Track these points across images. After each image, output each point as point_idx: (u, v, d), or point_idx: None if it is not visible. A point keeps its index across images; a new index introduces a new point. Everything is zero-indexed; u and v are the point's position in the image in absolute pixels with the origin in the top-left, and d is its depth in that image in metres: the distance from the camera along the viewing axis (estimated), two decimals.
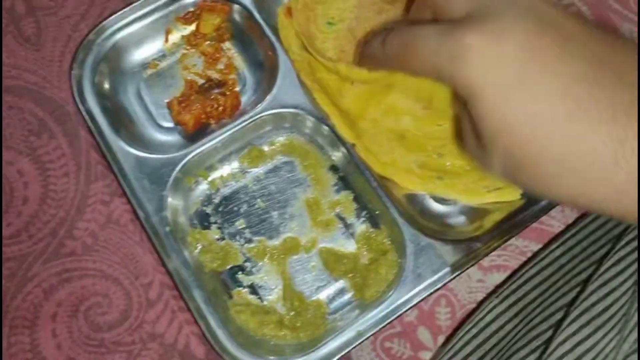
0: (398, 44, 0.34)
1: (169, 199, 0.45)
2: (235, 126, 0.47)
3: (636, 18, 0.50)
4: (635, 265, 0.36)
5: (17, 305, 0.45)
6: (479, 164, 0.32)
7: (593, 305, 0.35)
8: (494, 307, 0.41)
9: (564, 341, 0.35)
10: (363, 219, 0.47)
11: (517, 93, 0.27)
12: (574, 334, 0.35)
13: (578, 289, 0.39)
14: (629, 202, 0.26)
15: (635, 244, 0.36)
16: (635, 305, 0.34)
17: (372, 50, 0.37)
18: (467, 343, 0.40)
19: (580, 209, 0.44)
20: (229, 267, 0.45)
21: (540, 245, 0.45)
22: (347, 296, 0.45)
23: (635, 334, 0.34)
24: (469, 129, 0.31)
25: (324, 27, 0.51)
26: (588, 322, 0.34)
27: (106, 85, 0.48)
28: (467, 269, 0.43)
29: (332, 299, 0.45)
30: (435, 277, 0.43)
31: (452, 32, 0.29)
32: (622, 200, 0.26)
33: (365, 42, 0.42)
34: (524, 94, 0.27)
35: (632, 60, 0.27)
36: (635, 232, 0.37)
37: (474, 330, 0.41)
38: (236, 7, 0.50)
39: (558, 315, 0.38)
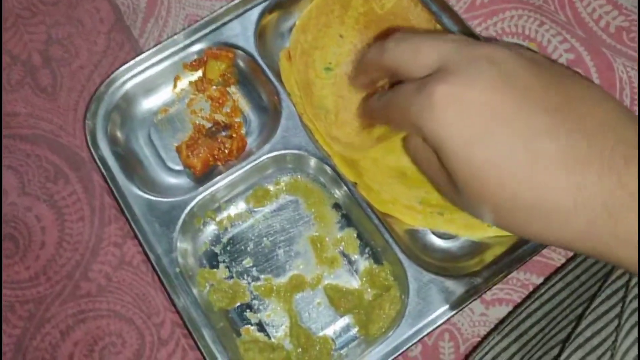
0: (384, 100, 0.36)
1: (179, 241, 0.47)
2: (241, 168, 0.49)
3: (630, 52, 0.51)
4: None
5: (35, 345, 0.47)
6: (460, 207, 0.34)
7: (587, 340, 0.35)
8: (496, 343, 0.42)
9: None
10: (366, 255, 0.48)
11: (481, 145, 0.29)
12: None
13: (569, 327, 0.39)
14: (595, 244, 0.27)
15: (625, 278, 0.37)
16: (622, 335, 0.35)
17: (370, 105, 0.40)
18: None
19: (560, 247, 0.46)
20: (237, 305, 0.47)
21: (541, 278, 0.46)
22: (353, 332, 0.46)
23: None
24: (444, 176, 0.33)
25: (322, 73, 0.52)
26: (583, 358, 0.35)
27: (118, 133, 0.51)
28: (470, 303, 0.44)
29: (338, 335, 0.46)
30: (438, 312, 0.44)
31: (421, 89, 0.31)
32: (588, 242, 0.27)
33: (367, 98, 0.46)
34: (487, 147, 0.29)
35: (591, 107, 0.29)
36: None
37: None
38: (240, 53, 0.53)
39: (557, 350, 0.38)
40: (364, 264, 0.48)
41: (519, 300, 0.46)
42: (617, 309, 0.36)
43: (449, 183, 0.32)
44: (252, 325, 0.46)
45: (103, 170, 0.48)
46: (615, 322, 0.35)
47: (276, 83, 0.51)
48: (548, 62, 0.32)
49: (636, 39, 0.51)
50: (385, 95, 0.37)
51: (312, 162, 0.49)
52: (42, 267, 0.48)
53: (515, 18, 0.53)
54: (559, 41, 0.51)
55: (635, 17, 0.52)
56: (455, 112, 0.29)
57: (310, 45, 0.53)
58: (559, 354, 0.36)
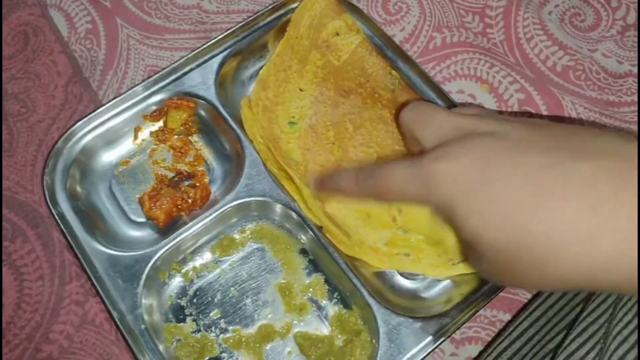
0: (372, 183, 0.38)
1: (143, 296, 0.46)
2: (206, 217, 0.48)
3: (577, 89, 0.53)
4: (599, 335, 0.37)
5: None
6: (485, 275, 0.34)
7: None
8: None
9: None
10: (335, 300, 0.48)
11: (483, 190, 0.30)
12: None
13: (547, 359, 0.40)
14: (615, 275, 0.27)
15: (596, 314, 0.38)
16: None
17: (341, 187, 0.42)
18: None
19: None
20: (206, 359, 0.46)
21: (508, 315, 0.47)
22: None
23: None
24: (460, 244, 0.34)
25: (286, 128, 0.53)
26: None
27: (78, 188, 0.50)
28: (440, 344, 0.44)
29: None
30: (409, 354, 0.44)
31: (420, 163, 0.33)
32: (605, 275, 0.27)
33: (325, 177, 0.47)
34: (489, 189, 0.30)
35: (581, 144, 0.30)
36: (597, 303, 0.39)
37: None
38: (201, 102, 0.53)
39: None
40: (333, 309, 0.47)
41: (487, 338, 0.46)
42: (589, 345, 0.36)
43: (468, 248, 0.34)
44: None
45: (62, 227, 0.47)
46: (588, 358, 0.36)
47: (238, 131, 0.51)
48: (554, 124, 0.33)
49: (582, 77, 0.53)
50: (369, 179, 0.38)
51: (277, 208, 0.49)
52: (1, 331, 0.46)
53: (467, 61, 0.55)
54: (509, 82, 0.53)
55: (580, 56, 0.54)
56: (455, 172, 0.31)
57: (271, 101, 0.54)
58: None
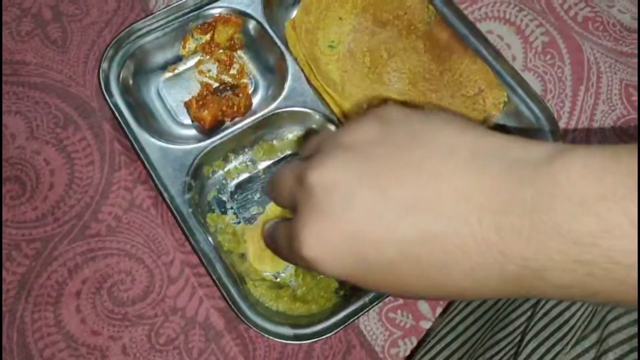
0: (273, 240, 0.36)
1: (190, 185, 0.49)
2: (250, 121, 0.52)
3: (595, 38, 0.58)
4: None
5: (41, 283, 0.47)
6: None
7: None
8: None
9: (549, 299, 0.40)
10: None
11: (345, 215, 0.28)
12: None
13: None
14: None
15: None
16: None
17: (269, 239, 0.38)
18: (468, 303, 0.45)
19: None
20: (245, 247, 0.49)
21: None
22: None
23: None
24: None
25: (326, 50, 0.57)
26: None
27: (130, 82, 0.53)
28: None
29: None
30: None
31: (292, 248, 0.30)
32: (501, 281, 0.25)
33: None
34: (352, 211, 0.28)
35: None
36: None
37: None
38: (249, 19, 0.56)
39: None
40: None
41: None
42: None
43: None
44: None
45: (117, 115, 0.50)
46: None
47: (283, 48, 0.55)
48: (388, 140, 0.30)
49: (600, 28, 0.58)
50: (271, 235, 0.37)
51: (317, 118, 0.53)
52: (51, 208, 0.49)
53: (498, 4, 0.59)
54: (536, 25, 0.58)
55: (599, 9, 0.59)
56: (331, 261, 0.28)
57: (313, 25, 0.58)
58: None
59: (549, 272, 0.23)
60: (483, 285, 0.25)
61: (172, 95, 0.55)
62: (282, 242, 0.33)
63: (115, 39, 0.51)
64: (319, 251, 0.28)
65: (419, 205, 0.26)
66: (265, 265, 0.48)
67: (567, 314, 0.38)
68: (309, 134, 0.54)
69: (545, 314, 0.39)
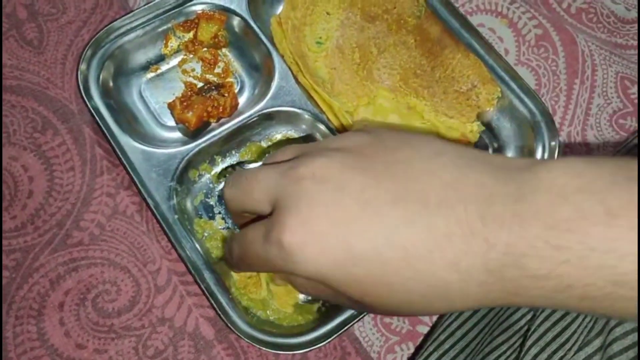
0: (237, 252, 0.34)
1: (175, 191, 0.47)
2: (237, 122, 0.50)
3: (589, 30, 0.57)
4: None
5: (23, 295, 0.45)
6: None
7: None
8: None
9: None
10: None
11: (352, 260, 0.27)
12: None
13: None
14: (494, 303, 0.26)
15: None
16: None
17: (229, 251, 0.37)
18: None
19: None
20: None
21: None
22: None
23: None
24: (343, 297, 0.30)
25: (313, 47, 0.55)
26: None
27: (110, 84, 0.51)
28: None
29: None
30: None
31: (269, 241, 0.29)
32: (485, 304, 0.27)
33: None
34: (339, 232, 0.27)
35: (428, 177, 0.28)
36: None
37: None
38: (232, 16, 0.54)
39: None
40: None
41: None
42: None
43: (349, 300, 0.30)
44: None
45: (97, 119, 0.48)
46: None
47: (269, 45, 0.53)
48: (377, 143, 0.30)
49: (593, 20, 0.57)
50: (234, 248, 0.35)
51: (306, 118, 0.51)
52: (30, 216, 0.47)
53: None
54: (528, 18, 0.56)
55: (592, 0, 0.58)
56: (313, 248, 0.28)
57: (299, 21, 0.56)
58: None
59: (529, 259, 0.24)
60: (467, 279, 0.25)
61: (155, 96, 0.53)
62: (249, 243, 0.32)
63: (93, 39, 0.49)
64: (303, 237, 0.28)
65: (409, 195, 0.27)
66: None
67: (569, 318, 0.37)
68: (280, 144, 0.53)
69: (546, 318, 0.38)
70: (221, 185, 0.50)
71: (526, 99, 0.51)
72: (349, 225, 0.27)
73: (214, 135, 0.49)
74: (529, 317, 0.41)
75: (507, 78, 0.52)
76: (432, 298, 0.27)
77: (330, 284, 0.28)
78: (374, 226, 0.27)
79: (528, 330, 0.38)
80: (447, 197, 0.26)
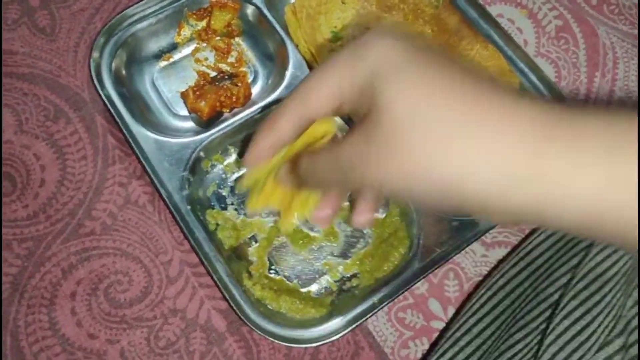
0: (329, 164, 0.30)
1: (188, 180, 0.46)
2: (250, 113, 0.49)
3: (610, 22, 0.55)
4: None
5: (34, 284, 0.45)
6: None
7: (599, 263, 0.38)
8: (506, 271, 0.44)
9: (575, 296, 0.38)
10: None
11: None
12: (582, 289, 0.38)
13: (581, 255, 0.42)
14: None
15: None
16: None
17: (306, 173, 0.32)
18: (483, 305, 0.43)
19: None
20: (246, 238, 0.47)
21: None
22: (359, 274, 0.47)
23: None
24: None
25: (329, 36, 0.54)
26: (595, 279, 0.38)
27: (123, 72, 0.50)
28: (472, 243, 0.46)
29: (345, 276, 0.47)
30: (443, 250, 0.46)
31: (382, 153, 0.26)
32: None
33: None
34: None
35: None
36: None
37: (489, 293, 0.44)
38: (247, 4, 0.53)
39: (563, 280, 0.41)
40: None
41: (516, 243, 0.49)
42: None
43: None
44: (261, 262, 0.47)
45: (110, 108, 0.47)
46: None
47: (283, 35, 0.52)
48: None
49: (615, 11, 0.56)
50: (326, 158, 0.29)
51: None
52: (42, 205, 0.47)
53: None
54: (549, 8, 0.55)
55: None
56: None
57: (314, 10, 0.55)
58: (572, 278, 0.39)
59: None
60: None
61: (168, 85, 0.52)
62: (345, 154, 0.27)
63: (106, 26, 0.49)
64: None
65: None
66: (291, 215, 0.36)
67: (588, 317, 0.36)
68: None
69: (565, 317, 0.37)
70: (234, 175, 0.49)
71: (546, 92, 0.50)
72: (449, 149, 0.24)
73: (227, 126, 0.49)
74: (547, 314, 0.40)
75: (526, 69, 0.51)
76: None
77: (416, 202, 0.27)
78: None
79: (547, 328, 0.38)
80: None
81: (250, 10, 0.54)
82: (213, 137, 0.48)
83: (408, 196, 0.26)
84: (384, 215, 0.49)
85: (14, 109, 0.49)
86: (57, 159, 0.48)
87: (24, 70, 0.51)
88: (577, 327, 0.36)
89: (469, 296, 0.46)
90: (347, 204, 0.43)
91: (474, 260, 0.48)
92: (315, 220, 0.35)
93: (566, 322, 0.37)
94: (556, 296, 0.41)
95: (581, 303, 0.38)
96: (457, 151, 0.23)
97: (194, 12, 0.53)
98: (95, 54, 0.48)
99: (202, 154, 0.47)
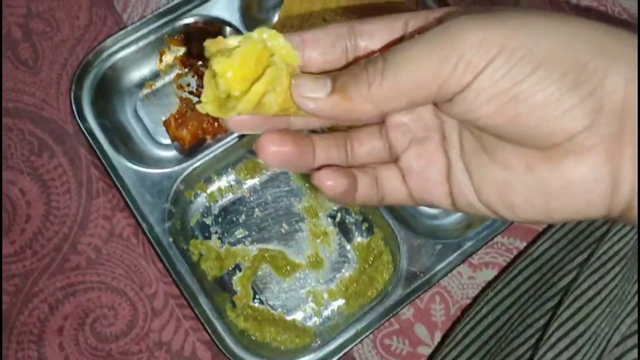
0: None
1: (170, 212, 0.47)
2: (231, 140, 0.49)
3: None
4: (622, 254, 0.39)
5: (23, 320, 0.45)
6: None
7: (585, 291, 0.37)
8: (490, 299, 0.44)
9: (559, 327, 0.37)
10: (358, 224, 0.49)
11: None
12: (568, 319, 0.37)
13: (568, 277, 0.41)
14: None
15: (620, 236, 0.39)
16: (629, 288, 0.37)
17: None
18: (466, 335, 0.43)
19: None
20: (230, 268, 0.47)
21: (524, 242, 0.48)
22: (343, 300, 0.47)
23: (632, 317, 0.37)
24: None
25: None
26: (581, 307, 0.37)
27: (104, 105, 0.50)
28: (458, 265, 0.45)
29: (329, 303, 0.47)
30: (429, 275, 0.45)
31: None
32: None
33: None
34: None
35: None
36: (621, 226, 0.40)
37: (472, 323, 0.43)
38: (227, 28, 0.53)
39: (549, 304, 0.40)
40: (356, 232, 0.49)
41: (503, 264, 0.48)
42: (614, 261, 0.38)
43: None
44: (245, 292, 0.47)
45: (91, 141, 0.47)
46: (612, 274, 0.37)
47: None
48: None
49: (604, 19, 0.54)
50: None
51: (307, 130, 0.50)
52: (28, 241, 0.47)
53: None
54: None
55: None
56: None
57: (297, 30, 0.54)
58: (556, 305, 0.38)
59: None
60: None
61: (151, 114, 0.52)
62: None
63: (84, 60, 0.49)
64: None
65: None
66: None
67: (573, 348, 0.36)
68: None
69: (550, 348, 0.37)
70: (218, 204, 0.49)
71: None
72: None
73: (208, 154, 0.49)
74: (532, 341, 0.39)
75: None
76: None
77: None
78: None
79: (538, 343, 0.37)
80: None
81: (228, 32, 0.53)
82: (194, 166, 0.48)
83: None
84: (368, 239, 0.48)
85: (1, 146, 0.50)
86: (42, 194, 0.49)
87: (8, 105, 0.51)
88: (571, 337, 0.36)
89: (456, 321, 0.46)
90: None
91: (461, 283, 0.47)
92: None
93: (550, 355, 0.36)
94: (542, 322, 0.40)
95: (566, 334, 0.37)
96: None
97: (175, 37, 0.53)
98: (76, 87, 0.49)
99: (182, 186, 0.47)
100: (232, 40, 0.25)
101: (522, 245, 0.48)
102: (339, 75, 0.24)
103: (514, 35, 0.22)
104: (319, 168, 0.27)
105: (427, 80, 0.22)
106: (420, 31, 0.25)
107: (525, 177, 0.23)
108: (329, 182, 0.26)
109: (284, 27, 0.54)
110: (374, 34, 0.26)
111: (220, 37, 0.25)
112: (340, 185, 0.26)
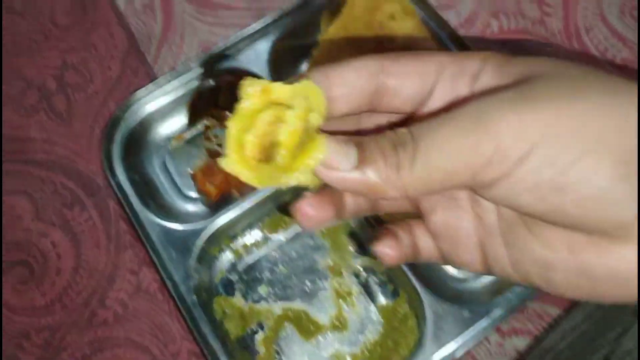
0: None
1: (195, 269, 0.47)
2: (257, 196, 0.49)
3: None
4: None
5: None
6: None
7: None
8: None
9: None
10: (383, 286, 0.48)
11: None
12: None
13: (601, 354, 0.39)
14: None
15: None
16: None
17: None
18: None
19: None
20: (252, 327, 0.47)
21: (556, 309, 0.47)
22: None
23: None
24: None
25: None
26: None
27: (134, 159, 0.51)
28: (487, 333, 0.44)
29: None
30: (456, 342, 0.44)
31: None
32: None
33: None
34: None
35: None
36: None
37: None
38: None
39: None
40: (380, 295, 0.48)
41: (535, 331, 0.46)
42: None
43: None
44: (267, 352, 0.47)
45: (120, 197, 0.48)
46: None
47: None
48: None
49: None
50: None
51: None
52: (58, 295, 0.48)
53: (524, 48, 0.54)
54: None
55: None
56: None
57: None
58: None
59: None
60: None
61: (179, 166, 0.53)
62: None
63: (114, 115, 0.50)
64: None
65: None
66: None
67: None
68: None
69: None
70: (243, 261, 0.49)
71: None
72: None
73: (235, 209, 0.49)
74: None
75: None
76: None
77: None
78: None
79: None
80: None
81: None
82: (220, 222, 0.48)
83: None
84: (393, 301, 0.48)
85: (32, 197, 0.51)
86: (73, 247, 0.50)
87: (41, 157, 0.52)
88: None
89: None
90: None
91: (489, 350, 0.46)
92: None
93: None
94: None
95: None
96: None
97: (204, 90, 0.54)
98: (107, 141, 0.49)
99: (207, 243, 0.48)
100: (276, 86, 0.23)
101: (555, 311, 0.47)
102: (364, 145, 0.23)
103: (556, 119, 0.20)
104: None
105: (460, 168, 0.21)
106: (452, 104, 0.23)
107: (567, 258, 0.22)
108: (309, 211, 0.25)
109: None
110: (404, 78, 0.24)
111: (261, 81, 0.23)
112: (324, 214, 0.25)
